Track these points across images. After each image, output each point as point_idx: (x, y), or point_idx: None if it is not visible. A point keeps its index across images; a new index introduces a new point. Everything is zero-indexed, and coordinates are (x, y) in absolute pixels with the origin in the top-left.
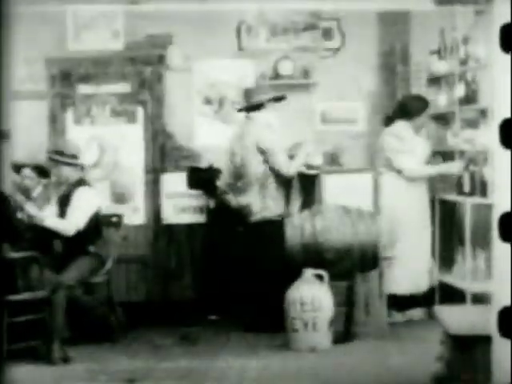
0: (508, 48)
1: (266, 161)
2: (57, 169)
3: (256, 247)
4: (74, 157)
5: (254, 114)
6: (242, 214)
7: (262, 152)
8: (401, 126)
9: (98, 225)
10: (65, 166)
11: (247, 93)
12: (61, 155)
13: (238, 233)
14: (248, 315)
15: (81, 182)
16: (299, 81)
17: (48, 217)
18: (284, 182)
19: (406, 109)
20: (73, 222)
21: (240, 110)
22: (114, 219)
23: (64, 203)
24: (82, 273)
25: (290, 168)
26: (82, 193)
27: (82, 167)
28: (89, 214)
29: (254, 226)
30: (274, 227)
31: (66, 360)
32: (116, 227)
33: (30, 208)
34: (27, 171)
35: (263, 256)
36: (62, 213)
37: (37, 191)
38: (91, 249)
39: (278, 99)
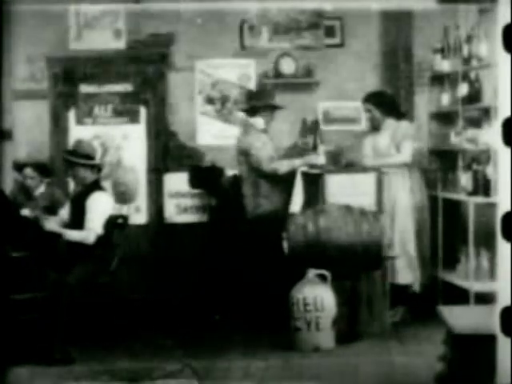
0: (510, 48)
1: (247, 161)
2: (72, 170)
3: (256, 246)
4: (90, 157)
5: (250, 118)
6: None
7: (243, 153)
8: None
9: (109, 230)
10: (80, 167)
11: (248, 95)
12: (76, 156)
13: (239, 231)
14: (251, 315)
15: (96, 185)
16: (301, 80)
17: (67, 231)
18: (282, 181)
19: None
20: (93, 230)
21: (241, 111)
22: (120, 221)
23: (78, 204)
24: (87, 274)
25: (271, 166)
26: (98, 199)
27: (98, 168)
28: (104, 220)
29: (252, 224)
30: (272, 225)
31: (68, 361)
32: (121, 228)
33: (49, 224)
34: (29, 170)
35: (264, 254)
36: (75, 213)
37: (39, 190)
38: (97, 252)
39: (274, 107)
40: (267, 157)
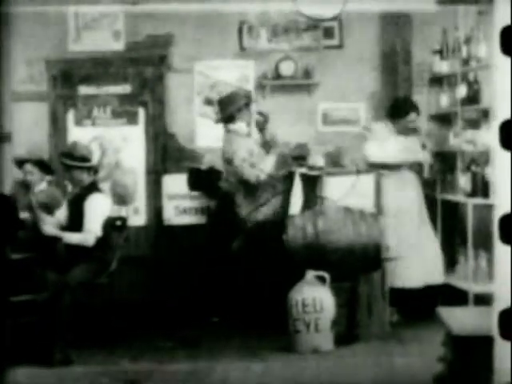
0: (509, 51)
1: (231, 171)
2: (69, 172)
3: (255, 249)
4: (85, 159)
5: (230, 126)
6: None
7: (227, 161)
8: (378, 125)
9: (107, 231)
10: (76, 169)
11: (221, 103)
12: (71, 158)
13: (238, 234)
14: (250, 316)
15: (93, 187)
16: (300, 81)
17: (66, 234)
18: (280, 183)
19: (390, 110)
20: (92, 232)
21: (217, 122)
22: (118, 222)
23: (75, 206)
24: (86, 276)
25: (252, 174)
26: (95, 200)
27: (94, 170)
28: (102, 221)
29: (252, 228)
30: (272, 229)
31: (67, 362)
32: (120, 230)
33: (47, 227)
34: (29, 166)
35: (264, 257)
36: (73, 215)
37: (40, 187)
38: (96, 254)
39: (247, 108)
40: (249, 165)
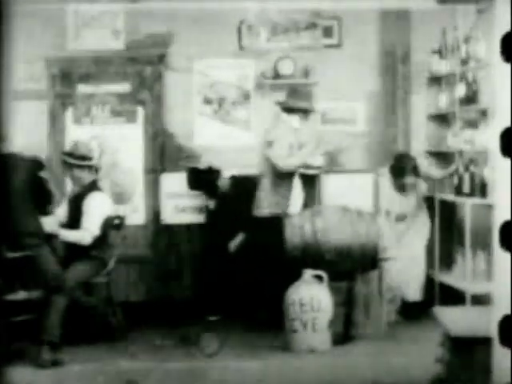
0: (509, 57)
1: (265, 155)
2: (70, 171)
3: (257, 245)
4: (86, 158)
5: (284, 115)
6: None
7: (270, 144)
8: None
9: (106, 230)
10: (77, 168)
11: (289, 92)
12: (72, 157)
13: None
14: (248, 315)
15: (94, 186)
16: (300, 80)
17: (63, 231)
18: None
19: (390, 166)
20: (90, 231)
21: (283, 105)
22: (116, 221)
23: (76, 204)
24: (83, 275)
25: (286, 163)
26: (95, 199)
27: (95, 169)
28: (101, 220)
29: (257, 223)
30: (276, 225)
31: (56, 363)
32: (118, 229)
33: (47, 224)
34: None
35: (264, 254)
36: (73, 214)
37: None
38: (94, 252)
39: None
40: (285, 154)
